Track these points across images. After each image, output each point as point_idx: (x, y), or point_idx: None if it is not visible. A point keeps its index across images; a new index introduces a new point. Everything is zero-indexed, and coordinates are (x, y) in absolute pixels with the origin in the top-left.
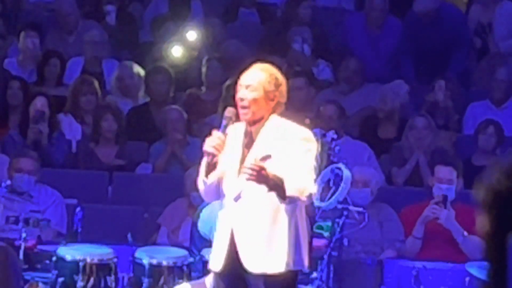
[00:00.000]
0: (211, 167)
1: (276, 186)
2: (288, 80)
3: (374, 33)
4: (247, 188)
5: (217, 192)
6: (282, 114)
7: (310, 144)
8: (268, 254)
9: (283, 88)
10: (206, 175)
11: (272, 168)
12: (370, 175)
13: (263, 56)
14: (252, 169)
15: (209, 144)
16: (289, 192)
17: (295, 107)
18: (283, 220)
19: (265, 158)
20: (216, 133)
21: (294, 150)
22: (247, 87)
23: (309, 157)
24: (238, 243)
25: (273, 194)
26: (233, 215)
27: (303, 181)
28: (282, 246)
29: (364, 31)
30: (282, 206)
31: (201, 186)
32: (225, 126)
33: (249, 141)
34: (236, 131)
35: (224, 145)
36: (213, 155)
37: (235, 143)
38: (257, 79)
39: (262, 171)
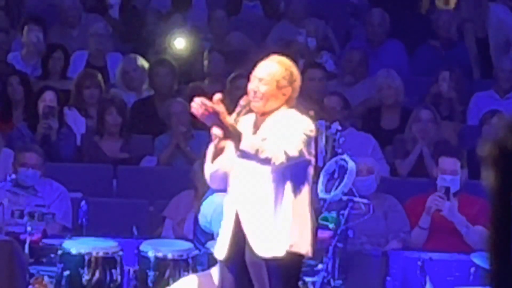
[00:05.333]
0: (218, 151)
1: (232, 136)
2: (305, 71)
3: (374, 52)
4: (250, 175)
5: (223, 179)
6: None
7: (305, 128)
8: (273, 236)
9: (297, 84)
10: (212, 160)
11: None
12: (372, 163)
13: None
14: (202, 105)
15: (219, 136)
16: (243, 146)
17: (312, 98)
18: (288, 204)
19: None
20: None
21: (284, 127)
22: (260, 80)
23: (296, 133)
24: (245, 227)
25: (276, 178)
26: (237, 201)
27: (270, 144)
28: (287, 228)
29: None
30: (287, 191)
31: (207, 172)
32: (238, 114)
33: (255, 131)
34: (247, 122)
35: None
36: (220, 139)
37: (244, 132)
38: (272, 73)
39: (213, 112)
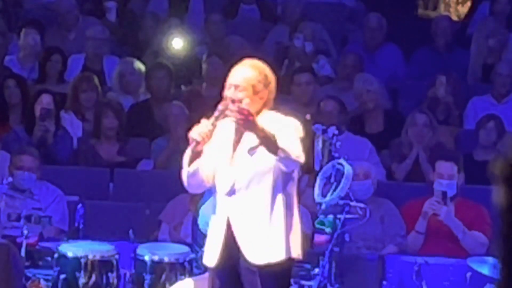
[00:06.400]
0: (195, 155)
1: (266, 138)
2: (293, 76)
3: (371, 56)
4: (240, 181)
5: (201, 184)
6: (284, 110)
7: (297, 131)
8: (268, 243)
9: (273, 85)
10: (189, 164)
11: (262, 157)
12: (369, 167)
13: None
14: (239, 111)
15: (196, 131)
16: (282, 144)
17: (301, 102)
18: (280, 208)
19: (254, 148)
20: (204, 122)
21: (284, 131)
22: (236, 87)
23: (294, 136)
24: (237, 234)
25: (267, 183)
26: (228, 208)
27: (296, 146)
28: (280, 233)
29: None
30: (278, 195)
31: (184, 176)
32: (216, 118)
33: (239, 137)
34: (226, 127)
35: (211, 135)
36: (198, 142)
37: (224, 140)
38: (247, 78)
39: (250, 116)
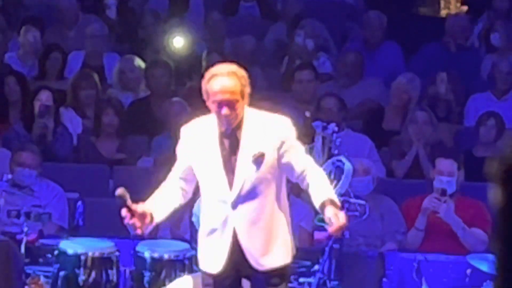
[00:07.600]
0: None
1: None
2: (294, 73)
3: (371, 53)
4: (245, 191)
5: (181, 200)
6: (285, 108)
7: (294, 131)
8: (276, 249)
9: (248, 81)
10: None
11: (269, 167)
12: (369, 164)
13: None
14: (340, 227)
15: (135, 230)
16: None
17: (302, 99)
18: (279, 212)
19: (260, 156)
20: (133, 214)
21: (294, 147)
22: (228, 102)
23: (299, 143)
24: (245, 244)
25: (271, 190)
26: (234, 219)
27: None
28: (287, 238)
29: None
30: (279, 201)
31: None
32: (128, 206)
33: (232, 143)
34: (204, 133)
35: (147, 215)
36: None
37: (210, 146)
38: (233, 90)
39: (343, 223)
